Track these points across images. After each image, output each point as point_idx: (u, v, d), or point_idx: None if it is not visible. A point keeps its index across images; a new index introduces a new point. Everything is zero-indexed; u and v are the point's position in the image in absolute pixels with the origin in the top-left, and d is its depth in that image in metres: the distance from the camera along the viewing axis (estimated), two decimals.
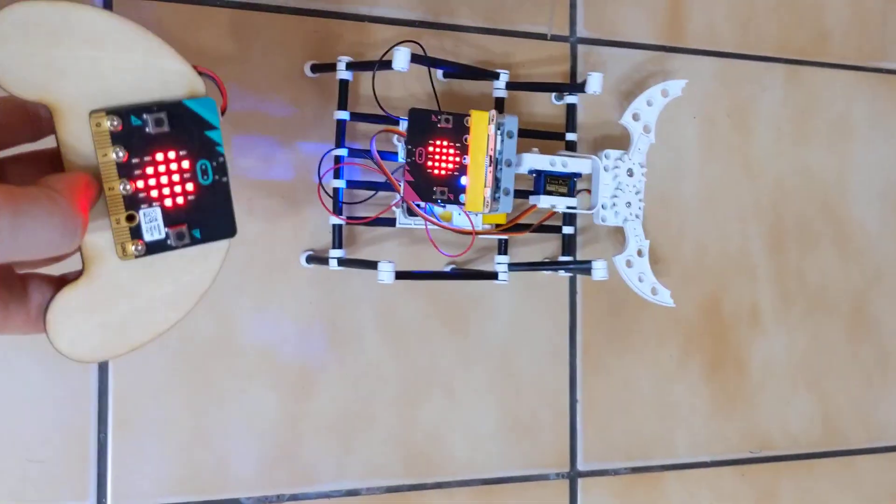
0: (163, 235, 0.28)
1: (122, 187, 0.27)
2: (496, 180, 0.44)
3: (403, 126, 0.45)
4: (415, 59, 0.44)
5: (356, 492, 0.50)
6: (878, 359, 0.62)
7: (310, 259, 0.48)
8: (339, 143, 0.46)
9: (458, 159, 0.44)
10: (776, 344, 0.59)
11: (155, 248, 0.28)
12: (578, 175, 0.48)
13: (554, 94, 0.53)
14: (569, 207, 0.48)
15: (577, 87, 0.49)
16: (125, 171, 0.27)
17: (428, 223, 0.46)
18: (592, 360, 0.54)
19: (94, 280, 0.28)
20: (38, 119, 0.28)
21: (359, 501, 0.50)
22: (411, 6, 0.51)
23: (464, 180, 0.44)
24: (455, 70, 0.49)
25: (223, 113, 0.29)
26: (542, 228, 0.50)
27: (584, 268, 0.48)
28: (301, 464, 0.48)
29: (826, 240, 0.61)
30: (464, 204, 0.44)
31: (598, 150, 0.51)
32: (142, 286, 0.29)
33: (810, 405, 0.60)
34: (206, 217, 0.29)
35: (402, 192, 0.44)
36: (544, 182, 0.47)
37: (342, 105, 0.46)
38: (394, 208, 0.47)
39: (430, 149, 0.44)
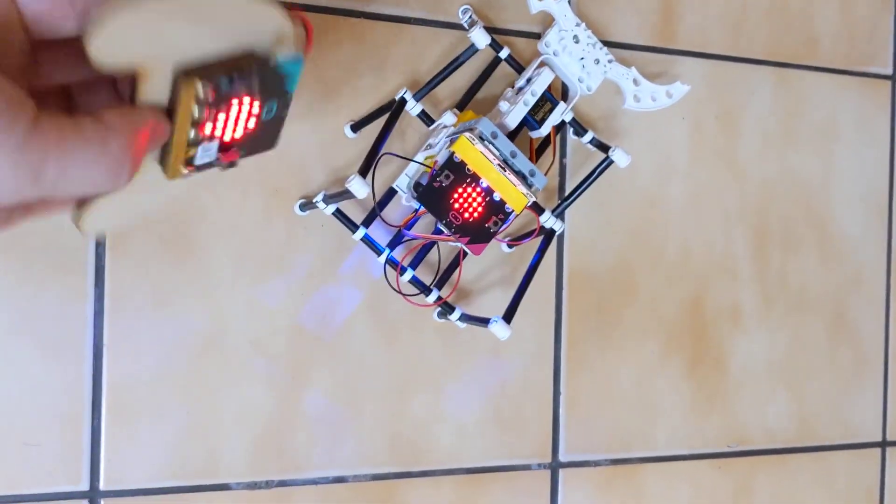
0: (213, 158, 0.28)
1: (191, 134, 0.27)
2: (517, 174, 0.45)
3: (403, 187, 0.48)
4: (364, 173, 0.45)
5: (343, 479, 0.51)
6: (855, 360, 0.64)
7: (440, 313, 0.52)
8: (379, 251, 0.49)
9: (480, 188, 0.45)
10: (756, 343, 0.61)
11: (202, 168, 0.28)
12: (548, 85, 0.49)
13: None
14: (563, 112, 0.49)
15: (470, 53, 0.50)
16: (198, 122, 0.27)
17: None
18: (576, 356, 0.56)
19: (132, 186, 0.27)
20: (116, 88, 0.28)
21: (346, 488, 0.51)
22: (409, 4, 0.51)
23: (497, 196, 0.45)
24: (383, 142, 0.48)
25: (306, 54, 0.28)
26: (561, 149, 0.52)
27: (608, 163, 0.49)
28: (290, 451, 0.50)
29: (809, 243, 0.62)
30: (514, 211, 0.45)
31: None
32: (174, 187, 0.29)
33: (788, 403, 0.62)
34: (256, 142, 0.29)
35: (468, 250, 0.46)
36: (531, 117, 0.49)
37: (353, 227, 0.48)
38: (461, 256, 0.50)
39: (457, 206, 0.45)
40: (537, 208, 0.49)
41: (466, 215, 0.45)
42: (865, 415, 0.64)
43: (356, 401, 0.51)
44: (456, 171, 0.44)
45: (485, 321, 0.46)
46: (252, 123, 0.28)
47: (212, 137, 0.27)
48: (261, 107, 0.28)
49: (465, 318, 0.49)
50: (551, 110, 0.49)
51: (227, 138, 0.28)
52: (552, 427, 0.55)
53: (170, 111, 0.26)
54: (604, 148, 0.50)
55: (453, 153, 0.44)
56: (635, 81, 0.52)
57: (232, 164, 0.29)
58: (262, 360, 0.49)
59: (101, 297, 0.46)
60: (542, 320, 0.55)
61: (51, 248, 0.45)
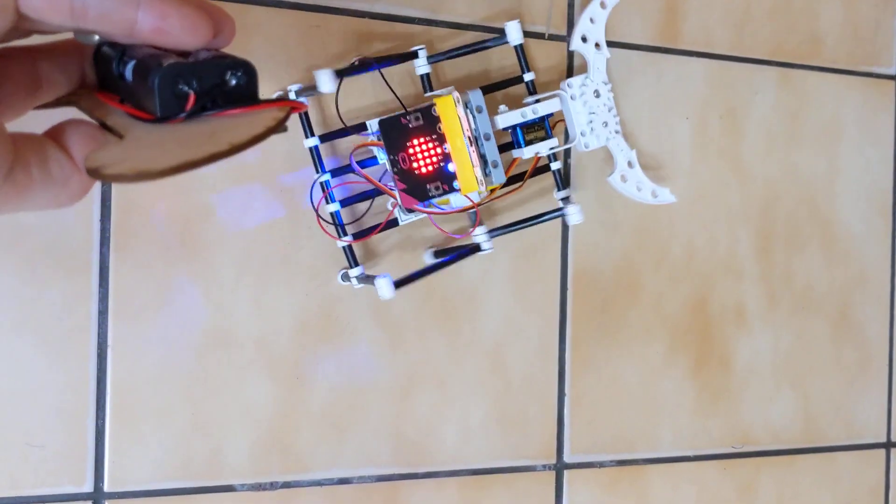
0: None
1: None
2: (482, 157, 0.44)
3: (374, 128, 0.46)
4: (340, 73, 0.44)
5: (348, 480, 0.51)
6: (860, 360, 0.64)
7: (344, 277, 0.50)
8: (320, 170, 0.47)
9: (439, 150, 0.44)
10: (761, 343, 0.61)
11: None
12: (551, 115, 0.49)
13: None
14: (552, 149, 0.49)
15: (500, 41, 0.50)
16: None
17: (431, 216, 0.47)
18: (581, 356, 0.56)
19: (130, 138, 0.26)
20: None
21: (350, 490, 0.51)
22: (410, 3, 0.51)
23: (451, 167, 0.44)
24: (382, 65, 0.48)
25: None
26: (535, 173, 0.51)
27: (559, 214, 0.50)
28: (295, 452, 0.50)
29: (813, 242, 0.62)
30: (459, 189, 0.45)
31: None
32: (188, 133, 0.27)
33: (792, 403, 0.62)
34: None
35: (398, 199, 0.45)
36: (522, 134, 0.48)
37: (309, 132, 0.47)
38: (394, 211, 0.48)
39: (411, 151, 0.44)
40: (474, 218, 0.49)
41: (415, 165, 0.44)
42: (870, 415, 0.64)
43: (361, 401, 0.51)
44: (428, 121, 0.43)
45: (372, 278, 0.45)
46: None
47: None
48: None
49: (362, 277, 0.48)
50: (543, 139, 0.49)
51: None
52: (557, 428, 0.55)
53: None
54: (565, 200, 0.51)
55: (434, 105, 0.43)
56: (629, 163, 0.52)
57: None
58: (267, 360, 0.49)
59: (105, 296, 0.46)
60: (547, 320, 0.55)
61: (54, 248, 0.45)
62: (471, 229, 0.50)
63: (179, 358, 0.47)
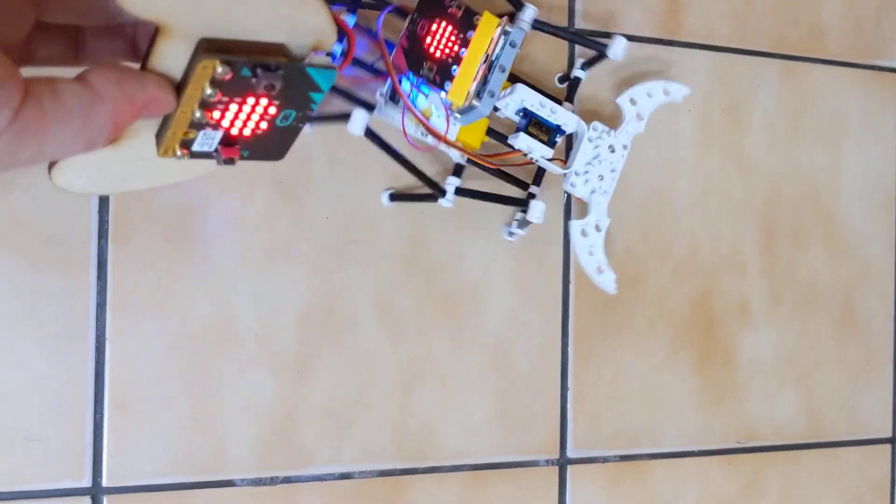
0: (212, 149, 0.26)
1: (196, 114, 0.25)
2: (485, 79, 0.44)
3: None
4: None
5: (349, 475, 0.50)
6: (864, 356, 0.63)
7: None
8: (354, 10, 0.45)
9: (456, 49, 0.43)
10: (765, 339, 0.60)
11: (198, 155, 0.26)
12: (563, 132, 0.48)
13: (558, 76, 0.53)
14: (543, 157, 0.48)
15: (600, 46, 0.49)
16: (208, 103, 0.25)
17: (406, 110, 0.45)
18: (584, 351, 0.55)
19: (119, 148, 0.25)
20: (135, 42, 0.26)
21: (352, 485, 0.50)
22: None
23: (455, 70, 0.43)
24: None
25: (341, 69, 0.27)
26: (504, 175, 0.50)
27: (522, 205, 0.49)
28: (296, 447, 0.49)
29: (817, 237, 0.61)
30: (447, 91, 0.43)
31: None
32: (166, 168, 0.27)
33: (797, 399, 0.61)
34: (263, 147, 0.27)
35: (391, 55, 0.44)
36: (528, 123, 0.47)
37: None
38: (378, 96, 0.47)
39: (434, 27, 0.44)
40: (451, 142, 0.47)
41: (428, 41, 0.43)
42: (874, 410, 0.64)
43: (362, 396, 0.50)
44: (465, 20, 0.43)
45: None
46: (264, 125, 0.26)
47: (217, 126, 0.26)
48: (277, 111, 0.26)
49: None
50: (545, 142, 0.48)
51: (233, 131, 0.26)
52: (560, 423, 0.55)
53: (180, 85, 0.24)
54: (530, 196, 0.50)
55: (477, 14, 0.43)
56: (598, 227, 0.51)
57: (229, 162, 0.27)
58: (268, 355, 0.48)
59: (103, 290, 0.45)
60: (549, 315, 0.54)
61: (53, 242, 0.45)
62: (427, 148, 0.48)
63: (179, 352, 0.47)
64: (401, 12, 0.47)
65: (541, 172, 0.51)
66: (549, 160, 0.48)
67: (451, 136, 0.47)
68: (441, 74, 0.44)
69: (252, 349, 0.48)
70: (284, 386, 0.49)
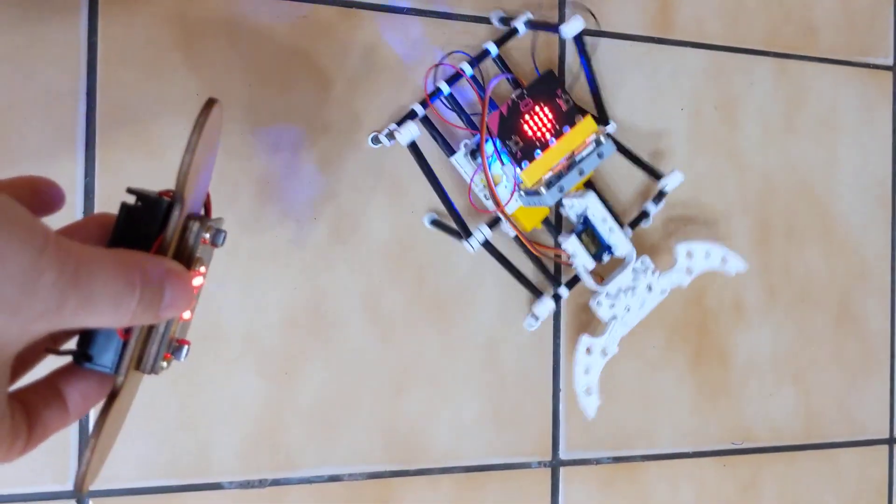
0: (181, 359, 0.28)
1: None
2: (560, 174, 0.46)
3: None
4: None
5: (338, 477, 0.50)
6: (861, 354, 0.62)
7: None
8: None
9: (547, 136, 0.46)
10: (760, 337, 0.59)
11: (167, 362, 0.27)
12: (611, 253, 0.49)
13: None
14: (584, 266, 0.49)
15: (656, 173, 0.52)
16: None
17: (479, 169, 0.48)
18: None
19: (117, 404, 0.25)
20: None
21: (341, 487, 0.50)
22: None
23: (538, 154, 0.46)
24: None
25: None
26: (540, 264, 0.51)
27: (533, 292, 0.50)
28: (284, 449, 0.48)
29: (812, 234, 0.61)
30: (523, 169, 0.46)
31: (640, 253, 0.51)
32: (131, 400, 0.27)
33: (793, 398, 0.60)
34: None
35: (487, 116, 0.46)
36: (583, 228, 0.49)
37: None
38: (461, 145, 0.49)
39: (536, 108, 0.46)
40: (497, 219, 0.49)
41: (526, 117, 0.46)
42: (872, 411, 0.63)
43: (351, 397, 0.50)
44: (567, 116, 0.46)
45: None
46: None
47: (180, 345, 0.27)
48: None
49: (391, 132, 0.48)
50: (592, 255, 0.49)
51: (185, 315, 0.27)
52: (552, 424, 0.54)
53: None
54: (556, 297, 0.51)
55: (580, 115, 0.46)
56: (604, 351, 0.51)
57: (178, 349, 0.28)
58: (255, 355, 0.48)
59: None
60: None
61: None
62: (481, 211, 0.49)
63: None
64: (515, 82, 0.51)
65: (575, 279, 0.52)
66: (589, 272, 0.49)
67: (509, 210, 0.49)
68: (524, 152, 0.46)
69: (239, 349, 0.48)
70: (272, 387, 0.48)
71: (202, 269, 0.26)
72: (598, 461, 0.55)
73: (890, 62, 0.63)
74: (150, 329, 0.25)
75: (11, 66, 0.44)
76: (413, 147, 0.45)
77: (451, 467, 0.52)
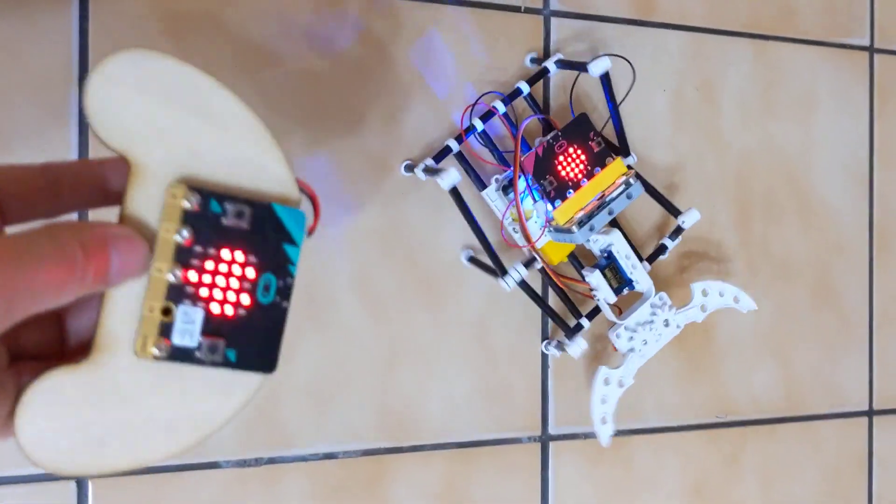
0: (194, 344, 0.24)
1: (171, 273, 0.24)
2: (591, 213, 0.48)
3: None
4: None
5: (333, 455, 0.51)
6: (839, 328, 0.64)
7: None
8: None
9: (580, 176, 0.48)
10: (742, 313, 0.61)
11: (179, 355, 0.24)
12: (632, 287, 0.50)
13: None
14: (605, 300, 0.50)
15: (675, 210, 0.54)
16: (182, 256, 0.24)
17: (511, 205, 0.50)
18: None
19: (94, 371, 0.23)
20: (106, 186, 0.26)
21: (336, 464, 0.51)
22: None
23: (570, 193, 0.48)
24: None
25: (310, 233, 0.26)
26: (564, 296, 0.53)
27: (566, 329, 0.51)
28: (279, 428, 0.49)
29: (790, 212, 0.62)
30: (556, 207, 0.48)
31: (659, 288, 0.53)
32: (143, 397, 0.24)
33: (774, 372, 0.62)
34: (249, 340, 0.25)
35: (522, 157, 0.48)
36: (605, 266, 0.50)
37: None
38: (493, 180, 0.51)
39: (570, 150, 0.48)
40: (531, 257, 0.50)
41: (561, 158, 0.48)
42: (852, 383, 0.65)
43: (344, 376, 0.51)
44: (599, 156, 0.49)
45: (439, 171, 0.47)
46: (246, 300, 0.25)
47: (195, 297, 0.24)
48: (256, 274, 0.25)
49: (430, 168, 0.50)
50: (614, 289, 0.50)
51: (214, 309, 0.24)
52: (541, 400, 0.55)
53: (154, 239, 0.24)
54: (578, 326, 0.53)
55: (611, 157, 0.49)
56: (620, 383, 0.52)
57: (214, 350, 0.25)
58: None
59: None
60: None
61: None
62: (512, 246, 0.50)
63: None
64: (547, 124, 0.53)
65: (596, 310, 0.53)
66: (610, 305, 0.50)
67: (538, 244, 0.50)
68: (557, 191, 0.48)
69: None
70: None
71: (189, 234, 0.24)
72: (586, 436, 0.57)
73: (867, 42, 0.65)
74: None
75: (3, 52, 0.45)
76: (454, 192, 0.46)
77: (444, 443, 0.53)
